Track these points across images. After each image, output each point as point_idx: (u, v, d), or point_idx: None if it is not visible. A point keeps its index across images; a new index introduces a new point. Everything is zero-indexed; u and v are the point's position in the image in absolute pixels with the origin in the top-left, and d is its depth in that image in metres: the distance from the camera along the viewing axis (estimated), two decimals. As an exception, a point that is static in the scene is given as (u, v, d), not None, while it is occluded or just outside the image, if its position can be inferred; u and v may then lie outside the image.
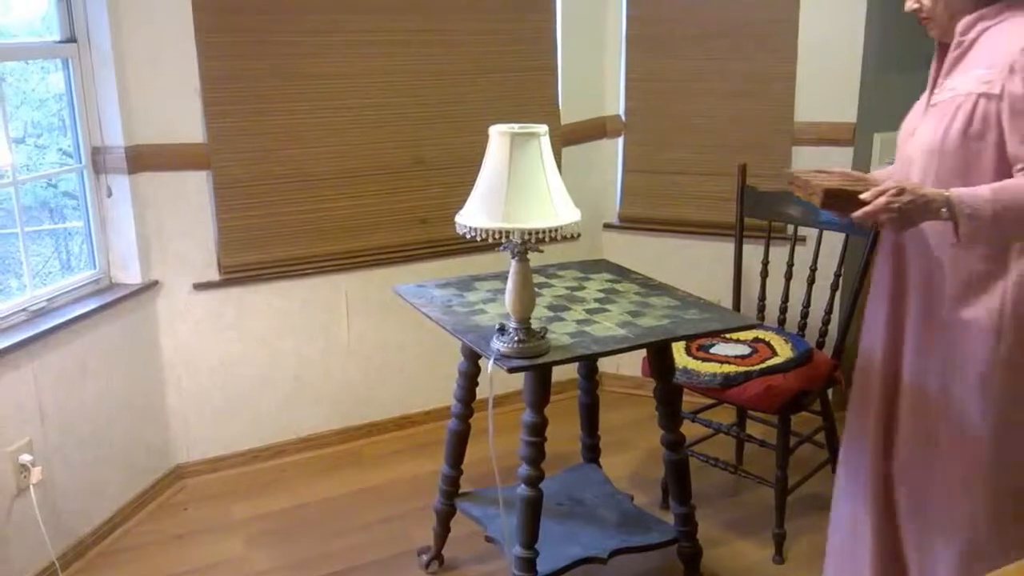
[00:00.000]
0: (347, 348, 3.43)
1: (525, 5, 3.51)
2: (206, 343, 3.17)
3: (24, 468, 2.53)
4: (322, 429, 3.45)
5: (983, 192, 1.77)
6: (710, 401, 2.94)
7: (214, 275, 3.14)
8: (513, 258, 2.01)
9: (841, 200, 1.86)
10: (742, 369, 2.63)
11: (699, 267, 3.65)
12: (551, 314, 2.29)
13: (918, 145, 1.99)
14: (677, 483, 2.38)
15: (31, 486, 2.54)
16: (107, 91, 2.84)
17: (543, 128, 1.97)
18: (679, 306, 2.34)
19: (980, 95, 1.85)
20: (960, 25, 1.92)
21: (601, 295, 2.44)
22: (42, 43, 2.82)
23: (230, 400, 3.26)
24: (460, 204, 2.02)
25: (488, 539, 2.49)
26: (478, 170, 2.01)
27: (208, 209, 3.08)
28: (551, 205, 1.94)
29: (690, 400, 2.88)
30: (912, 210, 1.78)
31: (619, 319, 2.24)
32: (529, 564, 2.21)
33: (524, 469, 2.18)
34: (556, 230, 1.94)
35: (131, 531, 2.94)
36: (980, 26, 1.90)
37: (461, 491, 2.62)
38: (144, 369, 3.05)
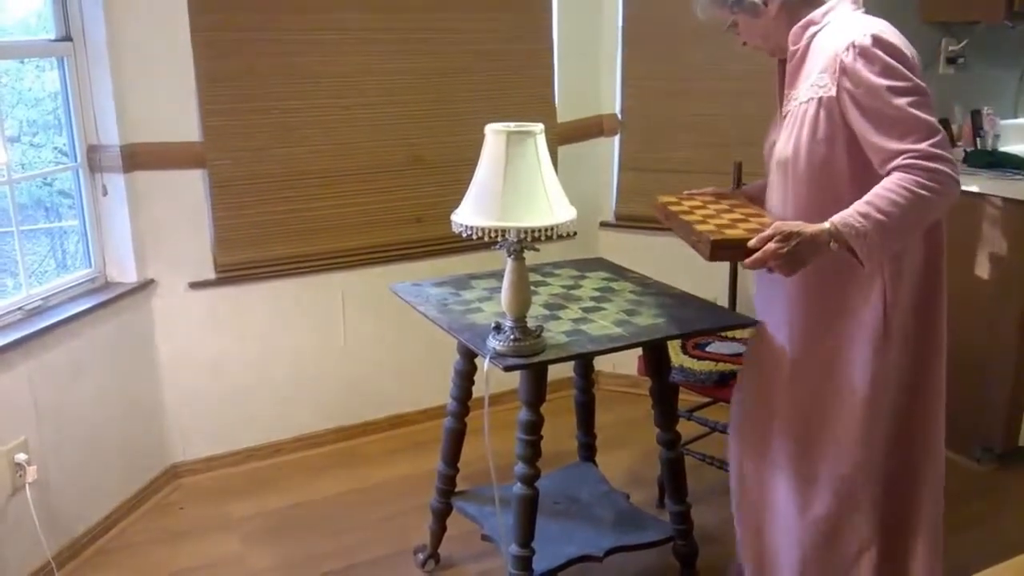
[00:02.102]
0: (343, 346, 3.43)
1: (522, 4, 3.51)
2: (202, 342, 3.17)
3: (19, 467, 2.52)
4: (318, 427, 3.45)
5: (860, 209, 1.80)
6: (706, 399, 2.95)
7: (210, 274, 3.14)
8: (509, 257, 2.01)
9: (729, 251, 1.88)
10: (738, 367, 2.63)
11: (695, 265, 3.63)
12: (547, 313, 2.29)
13: (775, 158, 2.03)
14: (673, 481, 2.38)
15: (27, 485, 2.54)
16: (103, 90, 2.84)
17: (539, 127, 1.97)
18: (675, 304, 2.34)
19: (819, 99, 1.90)
20: (791, 36, 1.98)
21: (597, 294, 2.44)
22: (37, 41, 2.81)
23: (226, 399, 3.25)
24: (456, 203, 2.02)
25: (484, 537, 2.49)
26: (474, 169, 2.01)
27: (204, 208, 3.08)
28: (547, 204, 1.94)
29: (686, 398, 2.88)
30: (801, 251, 1.81)
31: (615, 317, 2.24)
32: (525, 562, 2.21)
33: (520, 467, 2.19)
34: (552, 229, 1.94)
35: (127, 530, 2.93)
36: (809, 32, 1.96)
37: (457, 489, 2.63)
38: (140, 368, 3.05)
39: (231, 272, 3.17)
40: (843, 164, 1.92)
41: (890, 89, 1.81)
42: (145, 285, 3.01)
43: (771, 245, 1.81)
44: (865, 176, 1.88)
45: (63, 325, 2.68)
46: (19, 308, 2.65)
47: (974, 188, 3.17)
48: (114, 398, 2.92)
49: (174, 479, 3.21)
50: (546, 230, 1.94)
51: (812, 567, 2.16)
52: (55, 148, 3.13)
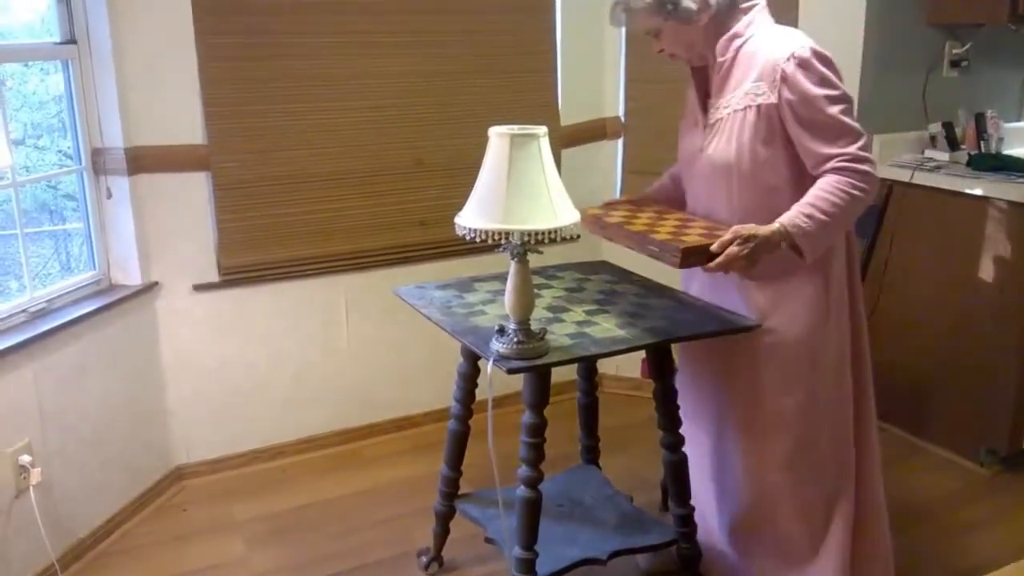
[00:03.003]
0: (347, 349, 3.43)
1: (525, 6, 3.51)
2: (206, 344, 3.18)
3: (24, 469, 2.53)
4: (322, 430, 3.46)
5: (804, 210, 2.00)
6: (709, 402, 2.94)
7: (214, 276, 3.14)
8: (513, 259, 2.01)
9: (695, 256, 2.01)
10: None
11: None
12: (550, 315, 2.29)
13: (711, 162, 2.19)
14: (676, 484, 2.38)
15: (31, 487, 2.54)
16: (107, 93, 2.85)
17: (542, 129, 1.97)
18: (678, 307, 2.34)
19: (758, 107, 2.07)
20: (718, 48, 2.14)
21: (600, 296, 2.44)
22: (42, 44, 2.82)
23: (230, 401, 3.26)
24: (460, 205, 2.02)
25: (488, 540, 2.49)
26: (478, 171, 2.01)
27: (208, 210, 3.09)
28: (551, 206, 1.94)
29: (689, 401, 2.88)
30: (758, 251, 1.99)
31: (618, 320, 2.24)
32: (528, 565, 2.21)
33: (523, 470, 2.18)
34: (556, 231, 1.94)
35: (131, 532, 2.94)
36: (735, 44, 2.12)
37: (461, 492, 2.62)
38: (144, 370, 3.05)
39: (235, 275, 3.17)
40: (783, 164, 2.11)
41: (826, 98, 2.01)
42: (149, 288, 3.02)
43: (733, 248, 1.98)
44: (803, 174, 2.09)
45: (67, 327, 2.68)
46: (23, 310, 2.65)
47: (978, 191, 3.17)
48: (118, 400, 2.92)
49: (178, 481, 3.21)
50: (550, 233, 1.94)
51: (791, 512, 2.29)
52: (59, 151, 3.14)
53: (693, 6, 2.08)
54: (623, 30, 3.71)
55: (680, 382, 2.42)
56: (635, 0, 2.12)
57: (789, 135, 2.07)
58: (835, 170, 2.01)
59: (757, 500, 2.33)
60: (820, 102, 2.01)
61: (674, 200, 2.45)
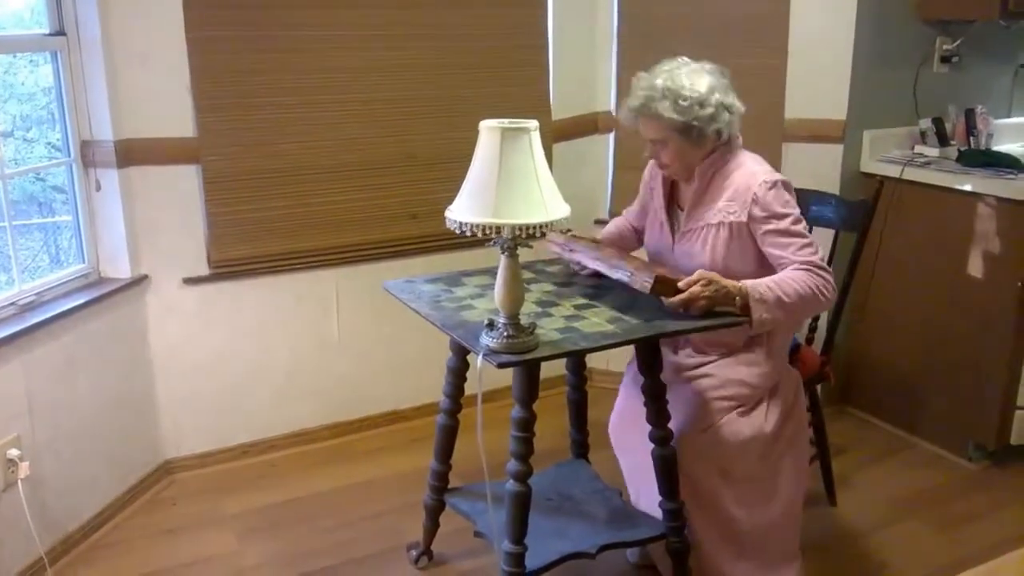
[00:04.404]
0: (337, 343, 3.43)
1: (517, 1, 3.50)
2: (196, 338, 3.17)
3: (12, 463, 2.52)
4: (312, 424, 3.45)
5: (768, 283, 2.23)
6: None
7: (204, 270, 3.13)
8: (502, 253, 2.01)
9: (664, 287, 2.18)
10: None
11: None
12: (540, 310, 2.29)
13: (690, 261, 2.40)
14: (665, 479, 2.38)
15: (19, 481, 2.53)
16: (96, 85, 2.83)
17: (533, 123, 1.97)
18: (668, 302, 2.34)
19: (729, 224, 2.34)
20: (699, 171, 2.40)
21: (589, 291, 2.44)
22: (31, 36, 2.80)
23: (220, 395, 3.25)
24: (450, 199, 2.02)
25: (477, 534, 2.49)
26: (469, 165, 2.00)
27: (198, 203, 3.08)
28: (541, 201, 1.94)
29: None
30: (717, 297, 2.18)
31: (608, 315, 2.24)
32: (517, 559, 2.21)
33: (513, 464, 2.19)
34: (546, 226, 1.94)
35: (120, 526, 2.93)
36: (712, 169, 2.39)
37: (450, 486, 2.63)
38: (133, 364, 3.04)
39: (225, 268, 3.16)
40: (753, 265, 2.35)
41: (790, 217, 2.29)
42: (139, 281, 3.01)
43: (696, 288, 2.16)
44: (768, 268, 2.33)
45: (56, 320, 2.67)
46: (12, 303, 2.64)
47: (967, 187, 3.18)
48: (108, 394, 2.92)
49: (167, 475, 3.21)
50: (540, 227, 1.94)
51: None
52: (48, 143, 3.13)
53: (712, 135, 2.32)
54: (615, 23, 3.71)
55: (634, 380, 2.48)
56: (666, 110, 2.29)
57: (757, 246, 2.33)
58: (803, 268, 2.25)
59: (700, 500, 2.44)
60: (785, 219, 2.28)
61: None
